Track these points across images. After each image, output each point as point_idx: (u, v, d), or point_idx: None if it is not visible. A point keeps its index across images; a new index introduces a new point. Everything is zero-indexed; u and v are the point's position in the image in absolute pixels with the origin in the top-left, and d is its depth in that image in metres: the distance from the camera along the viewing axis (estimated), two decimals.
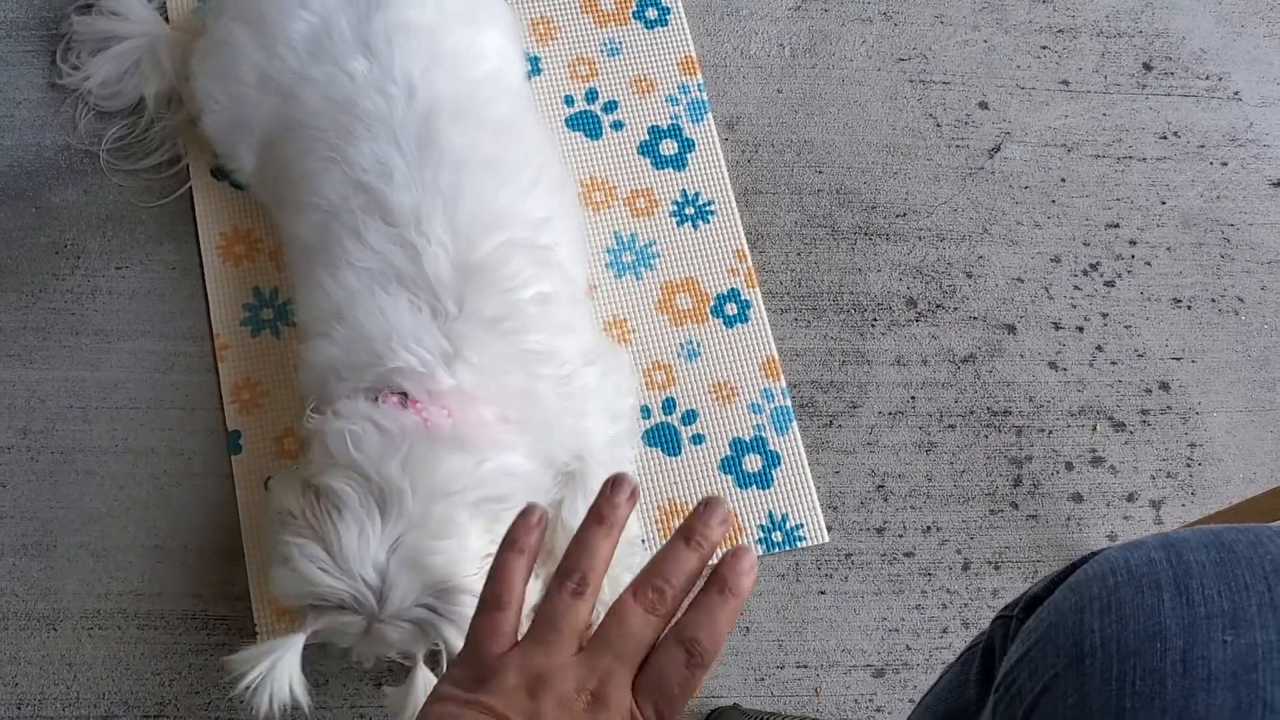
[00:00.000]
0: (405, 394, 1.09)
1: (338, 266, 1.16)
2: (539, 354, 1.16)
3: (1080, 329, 1.55)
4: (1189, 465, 1.50)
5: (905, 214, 1.59)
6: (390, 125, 1.19)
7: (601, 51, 1.63)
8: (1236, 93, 1.70)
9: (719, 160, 1.58)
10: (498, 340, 1.13)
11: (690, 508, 1.41)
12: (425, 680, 1.05)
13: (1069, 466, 1.48)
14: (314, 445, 1.10)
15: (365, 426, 1.06)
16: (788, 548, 1.41)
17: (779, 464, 1.44)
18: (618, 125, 1.59)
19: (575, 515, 1.28)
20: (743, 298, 1.52)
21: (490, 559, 1.02)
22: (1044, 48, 1.71)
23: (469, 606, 1.00)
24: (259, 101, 1.30)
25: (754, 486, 1.43)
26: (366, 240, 1.15)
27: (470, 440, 1.08)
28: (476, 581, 1.02)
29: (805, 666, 1.37)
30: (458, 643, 1.02)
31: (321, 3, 1.26)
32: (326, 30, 1.25)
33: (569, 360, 1.18)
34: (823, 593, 1.40)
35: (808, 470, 1.45)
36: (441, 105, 1.21)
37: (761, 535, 1.41)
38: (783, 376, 1.48)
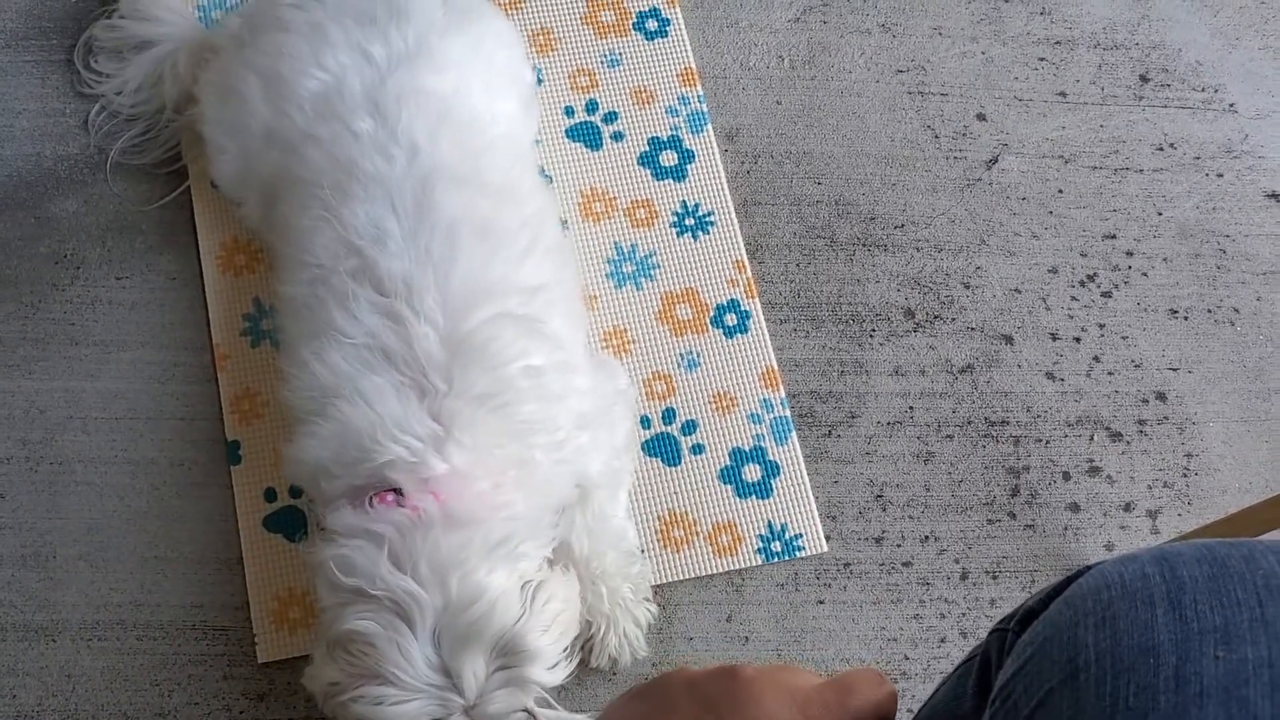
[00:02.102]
0: (399, 490, 1.07)
1: (324, 343, 1.14)
2: (531, 424, 1.14)
3: (1077, 339, 1.56)
4: (1185, 475, 1.51)
5: (903, 225, 1.59)
6: (388, 187, 1.17)
7: (602, 63, 1.64)
8: (1232, 105, 1.71)
9: (719, 171, 1.59)
10: (489, 416, 1.11)
11: (690, 517, 1.42)
12: (547, 718, 1.04)
13: (1066, 476, 1.49)
14: (318, 581, 1.08)
15: (354, 544, 1.04)
16: (787, 557, 1.42)
17: (778, 474, 1.45)
18: (618, 136, 1.60)
19: (576, 532, 1.29)
20: (742, 308, 1.52)
21: (530, 585, 1.03)
22: (1041, 59, 1.71)
23: (537, 640, 1.02)
24: (264, 155, 1.30)
25: (753, 496, 1.44)
26: (355, 313, 1.13)
27: (467, 515, 1.07)
28: (529, 615, 1.02)
29: None
30: (548, 677, 1.03)
31: (337, 62, 1.25)
32: (338, 89, 1.24)
33: (562, 426, 1.17)
34: (821, 602, 1.41)
35: (807, 480, 1.45)
36: (442, 169, 1.20)
37: (760, 545, 1.42)
38: (782, 387, 1.49)
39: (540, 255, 1.22)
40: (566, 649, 1.06)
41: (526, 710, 1.03)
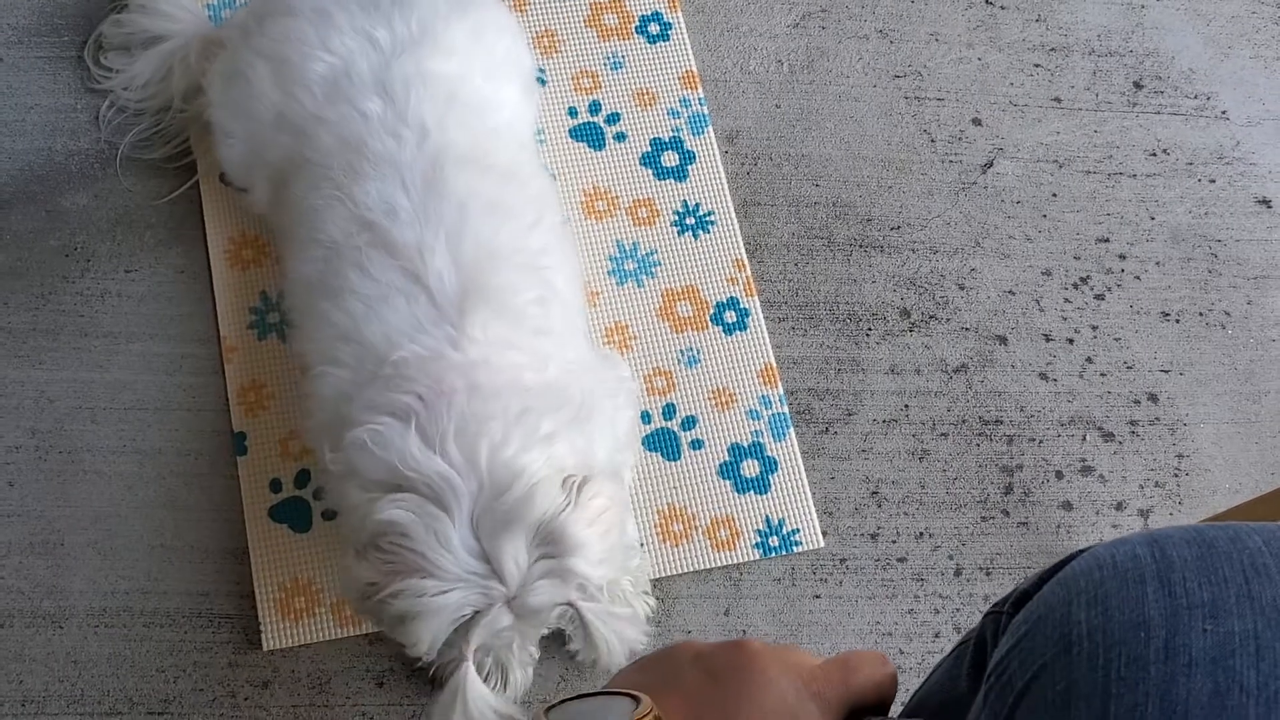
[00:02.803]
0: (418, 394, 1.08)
1: (341, 296, 1.16)
2: (543, 332, 1.16)
3: (1070, 341, 1.58)
4: (1176, 475, 1.53)
5: (900, 227, 1.62)
6: (398, 167, 1.20)
7: (605, 65, 1.66)
8: (1224, 112, 1.74)
9: (719, 172, 1.61)
10: (501, 322, 1.13)
11: (689, 511, 1.44)
12: (594, 614, 1.00)
13: (1059, 475, 1.51)
14: (346, 488, 1.06)
15: (382, 420, 1.04)
16: (784, 552, 1.44)
17: (776, 470, 1.47)
18: (620, 137, 1.62)
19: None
20: (741, 306, 1.54)
21: (573, 479, 1.00)
22: (1037, 65, 1.74)
23: (581, 531, 0.98)
24: (273, 139, 1.32)
25: (751, 491, 1.46)
26: (369, 271, 1.15)
27: (489, 388, 1.06)
28: (574, 507, 0.99)
29: None
30: (593, 571, 0.99)
31: (344, 45, 1.27)
32: (346, 72, 1.26)
33: (574, 348, 1.18)
34: (818, 597, 1.43)
35: (804, 476, 1.47)
36: (451, 150, 1.22)
37: (758, 540, 1.44)
38: (780, 384, 1.51)
39: (545, 230, 1.25)
40: (612, 549, 1.02)
41: (570, 604, 1.00)
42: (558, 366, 1.14)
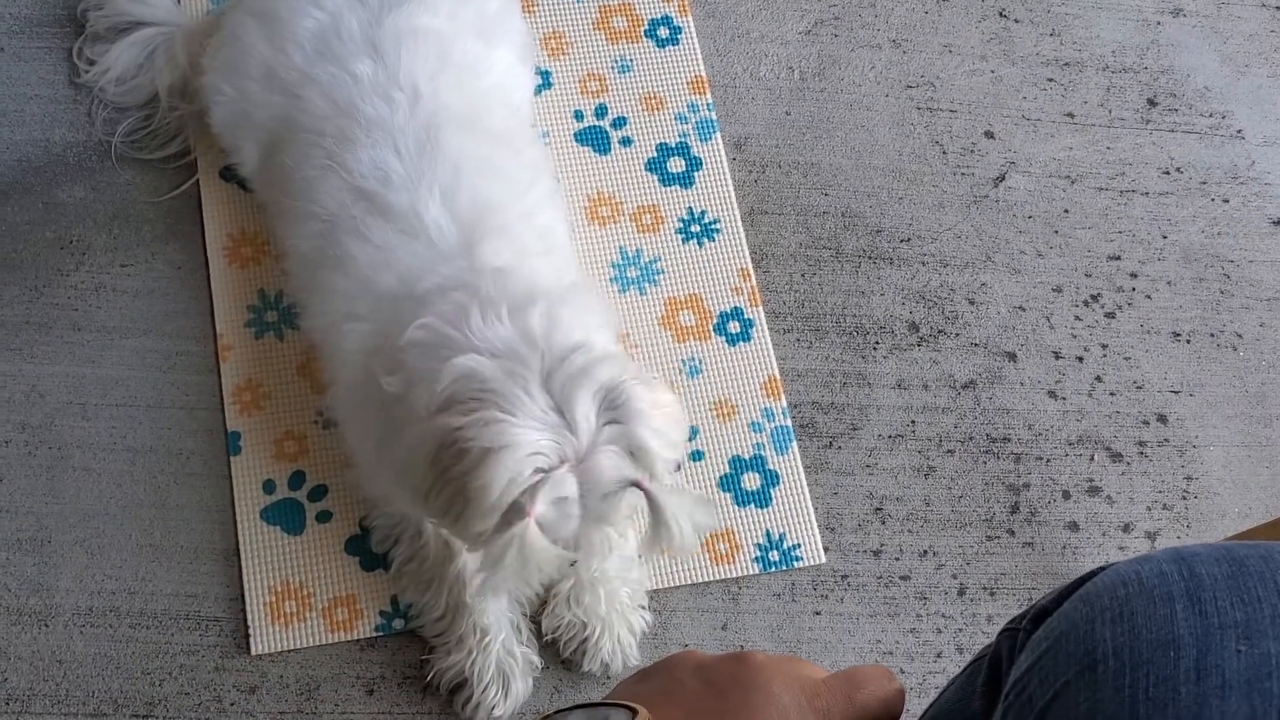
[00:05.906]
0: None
1: (343, 264, 1.17)
2: (549, 252, 1.20)
3: (1080, 359, 1.56)
4: (1185, 498, 1.51)
5: (909, 239, 1.60)
6: (390, 132, 1.20)
7: (612, 68, 1.64)
8: (1239, 131, 1.72)
9: (726, 179, 1.59)
10: (509, 247, 1.15)
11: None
12: (661, 494, 0.95)
13: (1066, 495, 1.49)
14: (407, 406, 1.04)
15: (428, 319, 1.04)
16: (784, 567, 1.41)
17: (778, 483, 1.45)
18: (626, 141, 1.60)
19: None
20: (746, 316, 1.52)
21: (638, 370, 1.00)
22: (1050, 80, 1.72)
23: (645, 404, 0.97)
24: (264, 99, 1.30)
25: (752, 505, 1.44)
26: (369, 238, 1.16)
27: (522, 286, 1.08)
28: (640, 382, 0.99)
29: None
30: (655, 443, 0.97)
31: (333, 1, 1.27)
32: (336, 29, 1.26)
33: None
34: (818, 613, 1.40)
35: (806, 490, 1.45)
36: (444, 113, 1.22)
37: (758, 554, 1.41)
38: (784, 396, 1.49)
39: (539, 195, 1.25)
40: (676, 441, 1.00)
41: (636, 484, 0.97)
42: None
